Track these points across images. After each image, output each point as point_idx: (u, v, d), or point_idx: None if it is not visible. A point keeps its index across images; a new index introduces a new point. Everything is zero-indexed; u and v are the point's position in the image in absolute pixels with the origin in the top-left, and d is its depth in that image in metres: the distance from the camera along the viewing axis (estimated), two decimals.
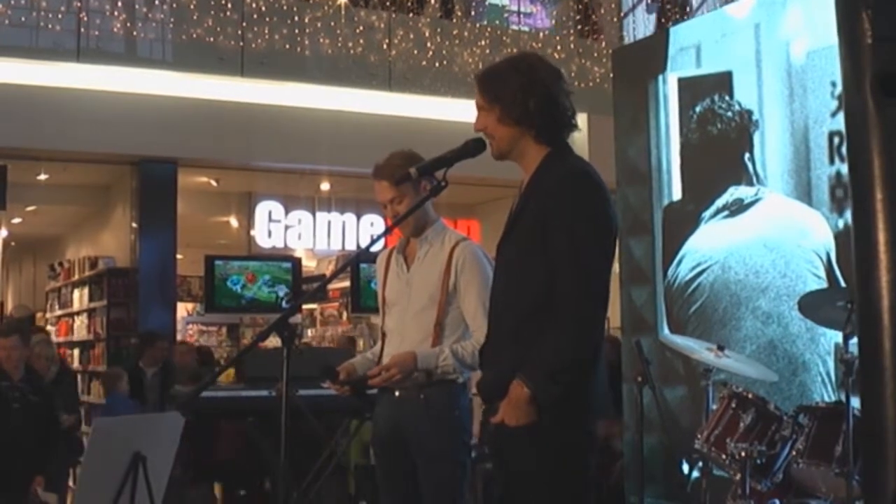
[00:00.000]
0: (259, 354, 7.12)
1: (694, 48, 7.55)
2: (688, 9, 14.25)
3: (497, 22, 14.39)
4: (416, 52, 12.70)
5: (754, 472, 5.32)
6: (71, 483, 8.22)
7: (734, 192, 7.09)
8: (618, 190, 7.93)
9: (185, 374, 9.84)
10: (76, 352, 13.76)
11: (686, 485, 6.70)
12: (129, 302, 12.10)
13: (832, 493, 5.22)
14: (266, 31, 11.78)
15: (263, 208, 13.88)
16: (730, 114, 7.18)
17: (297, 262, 8.36)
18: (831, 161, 6.45)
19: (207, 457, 8.31)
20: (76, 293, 13.95)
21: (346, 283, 10.70)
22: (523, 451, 3.41)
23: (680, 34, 7.78)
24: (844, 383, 4.98)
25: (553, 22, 14.67)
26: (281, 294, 7.79)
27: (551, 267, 3.38)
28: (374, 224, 14.01)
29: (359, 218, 14.15)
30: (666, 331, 7.54)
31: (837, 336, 5.64)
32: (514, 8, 14.74)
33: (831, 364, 6.34)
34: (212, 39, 11.50)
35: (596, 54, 13.57)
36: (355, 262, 7.68)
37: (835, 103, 6.42)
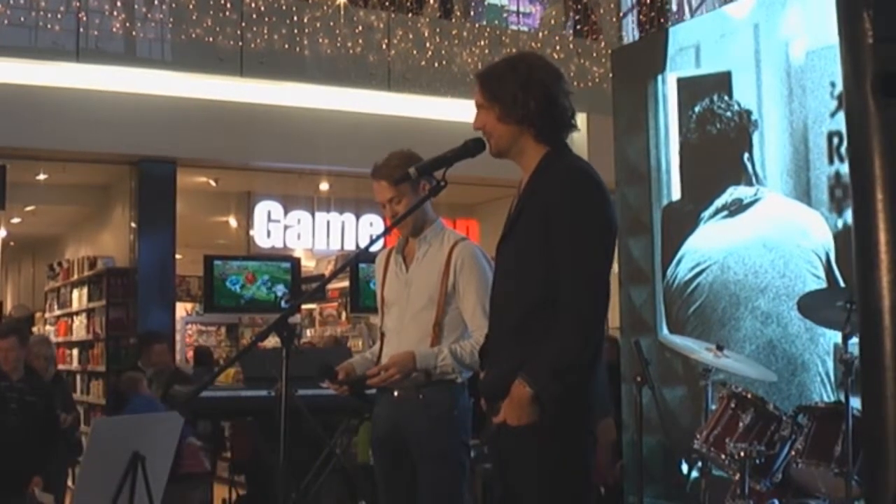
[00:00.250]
0: (258, 354, 7.11)
1: (693, 48, 7.55)
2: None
3: (496, 22, 14.38)
4: (415, 52, 12.69)
5: (753, 472, 5.31)
6: (70, 483, 8.22)
7: (733, 192, 7.09)
8: (617, 190, 7.93)
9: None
10: (75, 352, 13.75)
11: (685, 485, 6.70)
12: (129, 302, 12.09)
13: (831, 494, 5.23)
14: (265, 31, 11.77)
15: (262, 208, 13.87)
16: (729, 114, 7.18)
17: (296, 262, 8.36)
18: (830, 161, 6.45)
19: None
20: (75, 293, 13.94)
21: (346, 283, 10.69)
22: (524, 451, 3.41)
23: (679, 34, 7.78)
24: (844, 383, 4.98)
25: (541, 22, 14.65)
26: (280, 294, 7.79)
27: (552, 266, 3.38)
28: (373, 224, 14.00)
29: (358, 218, 14.14)
30: (665, 331, 7.54)
31: (836, 336, 5.64)
32: (514, 8, 14.72)
33: (830, 364, 6.34)
34: (211, 39, 11.49)
35: (595, 54, 13.56)
36: (354, 262, 7.68)
37: (834, 103, 6.42)
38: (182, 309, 15.02)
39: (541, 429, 3.35)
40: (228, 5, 11.55)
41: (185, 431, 8.33)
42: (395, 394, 4.49)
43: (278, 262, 8.55)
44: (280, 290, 7.81)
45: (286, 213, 13.92)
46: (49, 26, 10.88)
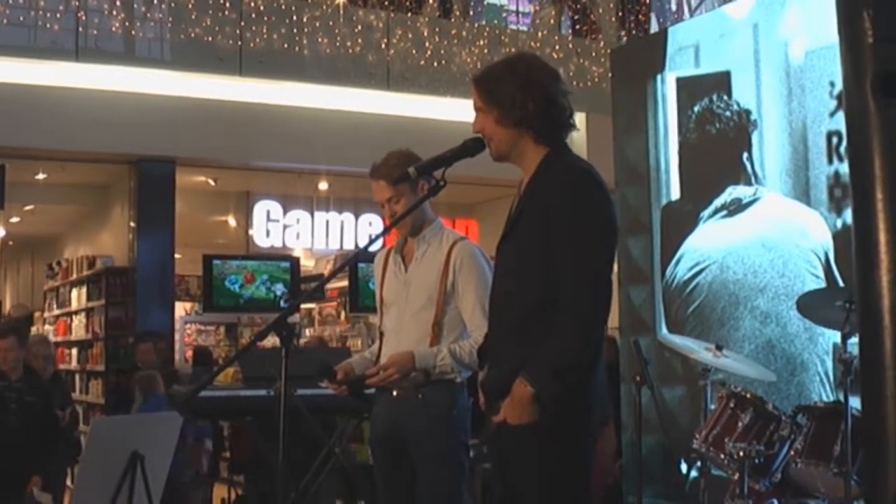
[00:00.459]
0: (257, 354, 7.11)
1: (692, 48, 7.55)
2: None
3: (495, 21, 14.38)
4: (414, 51, 12.69)
5: (753, 471, 5.32)
6: (69, 482, 8.22)
7: (732, 192, 7.08)
8: (616, 189, 7.93)
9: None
10: (74, 351, 13.75)
11: (684, 484, 6.70)
12: (128, 301, 12.09)
13: (830, 493, 5.23)
14: (264, 31, 11.77)
15: (262, 208, 13.88)
16: (728, 113, 7.18)
17: (295, 262, 8.34)
18: (830, 161, 6.45)
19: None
20: (74, 292, 13.94)
21: (345, 283, 10.68)
22: (524, 451, 3.41)
23: (678, 34, 7.77)
24: (843, 383, 4.98)
25: (538, 22, 14.65)
26: (279, 293, 7.78)
27: (553, 267, 3.37)
28: (372, 224, 14.01)
29: (357, 217, 14.15)
30: (664, 330, 7.54)
31: (836, 336, 5.65)
32: (513, 7, 14.72)
33: (829, 364, 6.34)
34: (210, 39, 11.49)
35: (594, 54, 13.56)
36: (353, 262, 7.67)
37: (833, 103, 6.42)
38: (181, 308, 15.02)
39: (541, 428, 3.35)
40: (227, 5, 11.55)
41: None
42: (394, 393, 4.49)
43: (277, 261, 8.53)
44: (279, 289, 7.80)
45: (285, 212, 13.93)
46: (48, 26, 10.88)
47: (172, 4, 11.53)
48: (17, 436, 6.77)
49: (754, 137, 6.98)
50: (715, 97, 7.26)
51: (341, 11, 12.28)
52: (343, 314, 14.31)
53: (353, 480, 7.53)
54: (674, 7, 14.37)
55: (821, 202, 6.48)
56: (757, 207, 6.95)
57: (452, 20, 13.38)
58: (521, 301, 3.47)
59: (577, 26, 14.26)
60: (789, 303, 6.42)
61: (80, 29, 11.08)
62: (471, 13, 14.00)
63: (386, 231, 4.30)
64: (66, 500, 7.82)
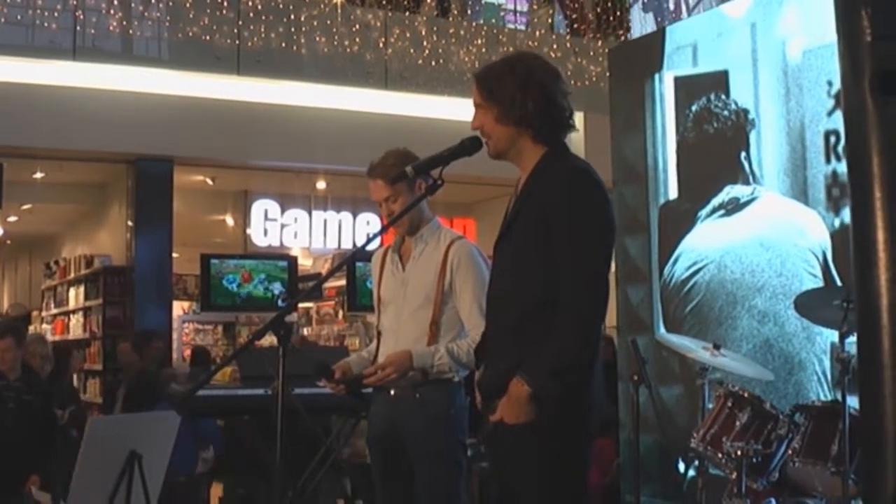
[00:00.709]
0: (255, 353, 7.10)
1: (690, 47, 7.55)
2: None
3: (493, 20, 14.37)
4: (412, 50, 12.69)
5: (750, 470, 5.32)
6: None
7: (730, 191, 7.09)
8: (614, 189, 7.93)
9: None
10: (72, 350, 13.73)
11: (682, 484, 6.70)
12: (125, 300, 12.09)
13: (828, 492, 5.23)
14: (262, 30, 11.77)
15: (259, 207, 13.89)
16: (726, 113, 7.18)
17: (293, 261, 8.33)
18: (827, 160, 6.45)
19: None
20: (72, 291, 13.94)
21: (342, 282, 10.69)
22: (522, 450, 3.41)
23: (676, 33, 7.78)
24: (840, 382, 4.97)
25: (535, 22, 14.65)
26: (277, 293, 7.77)
27: (551, 266, 3.37)
28: (370, 223, 14.02)
29: (355, 216, 14.16)
30: (662, 330, 7.54)
31: (833, 335, 5.65)
32: (511, 7, 14.72)
33: (827, 363, 6.34)
34: (208, 38, 11.48)
35: (592, 53, 13.56)
36: (351, 261, 7.66)
37: (831, 102, 6.42)
38: (179, 307, 15.01)
39: (538, 428, 3.34)
40: (225, 4, 11.55)
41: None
42: (392, 393, 4.48)
43: (275, 260, 8.53)
44: (277, 288, 7.79)
45: (283, 211, 13.94)
46: (46, 24, 10.88)
47: (170, 3, 11.53)
48: (16, 435, 6.77)
49: (752, 137, 6.98)
50: (713, 96, 7.26)
51: (339, 10, 12.28)
52: (341, 313, 14.32)
53: (350, 479, 7.53)
54: (672, 6, 14.36)
55: (819, 201, 6.48)
56: (755, 207, 6.96)
57: (450, 19, 13.38)
58: (519, 300, 3.47)
59: (576, 25, 14.25)
60: (787, 302, 6.42)
61: (78, 28, 11.08)
62: (469, 12, 14.00)
63: (383, 230, 4.30)
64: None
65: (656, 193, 7.69)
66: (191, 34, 11.43)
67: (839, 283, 6.23)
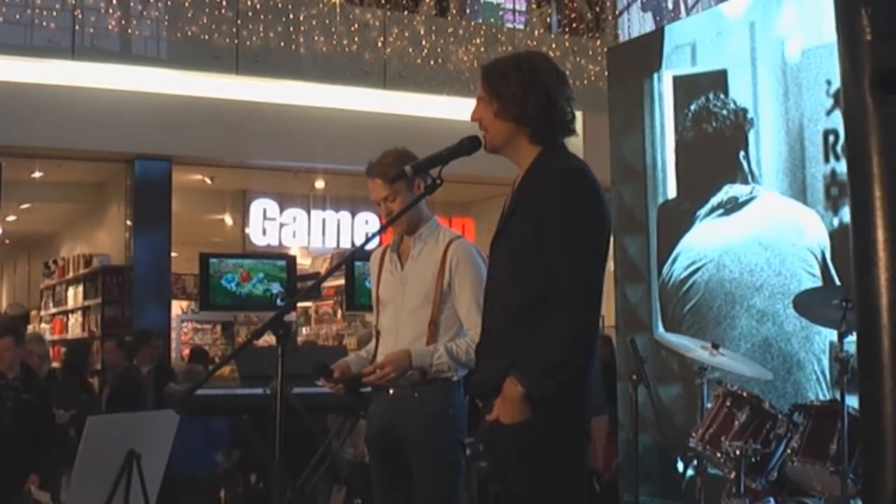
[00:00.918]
0: (253, 352, 7.10)
1: (689, 46, 7.55)
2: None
3: (492, 20, 14.37)
4: (410, 49, 12.69)
5: (749, 470, 5.32)
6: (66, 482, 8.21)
7: (729, 191, 7.09)
8: (613, 188, 7.93)
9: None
10: None
11: (681, 483, 6.71)
12: (124, 300, 12.10)
13: (827, 492, 5.23)
14: (261, 29, 11.77)
15: (258, 206, 13.89)
16: (725, 112, 7.18)
17: (291, 260, 8.34)
18: (826, 159, 6.45)
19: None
20: (71, 291, 13.95)
21: (341, 282, 10.69)
22: (518, 449, 3.41)
23: (675, 32, 7.78)
24: (839, 381, 4.97)
25: (533, 21, 14.65)
26: (275, 292, 7.77)
27: (544, 265, 3.37)
28: (368, 222, 14.02)
29: (353, 216, 14.16)
30: (661, 329, 7.54)
31: (832, 334, 5.65)
32: (509, 6, 14.71)
33: (826, 362, 6.35)
34: (207, 37, 11.48)
35: (591, 52, 13.56)
36: (350, 260, 7.66)
37: (830, 101, 6.42)
38: (177, 307, 15.01)
39: (534, 426, 3.34)
40: (224, 3, 11.55)
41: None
42: (391, 392, 4.48)
43: (274, 259, 8.54)
44: (275, 287, 7.79)
45: (282, 210, 13.94)
46: (44, 24, 10.88)
47: (169, 3, 11.53)
48: (15, 434, 6.77)
49: (751, 136, 6.98)
50: (711, 96, 7.26)
51: (338, 10, 12.27)
52: (339, 312, 14.32)
53: (348, 478, 7.53)
54: (670, 5, 14.36)
55: (817, 201, 6.48)
56: (753, 206, 6.95)
57: (449, 19, 13.38)
58: (514, 300, 3.47)
59: (574, 24, 14.24)
60: (786, 301, 6.42)
61: (77, 27, 11.08)
62: (467, 11, 14.00)
63: (382, 229, 4.29)
64: (64, 498, 7.81)
65: (655, 193, 7.69)
66: (189, 33, 11.43)
67: (838, 282, 6.23)
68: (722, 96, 7.19)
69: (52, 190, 13.48)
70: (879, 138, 2.22)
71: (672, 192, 7.58)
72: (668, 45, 7.67)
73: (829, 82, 6.40)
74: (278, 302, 7.61)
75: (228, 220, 14.56)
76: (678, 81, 7.57)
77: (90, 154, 11.76)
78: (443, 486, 4.44)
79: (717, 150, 7.24)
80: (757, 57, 7.01)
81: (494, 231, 3.63)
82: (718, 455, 5.44)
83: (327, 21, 12.21)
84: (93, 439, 4.43)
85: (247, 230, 13.91)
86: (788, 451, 5.30)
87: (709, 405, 5.81)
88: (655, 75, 7.72)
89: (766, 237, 6.85)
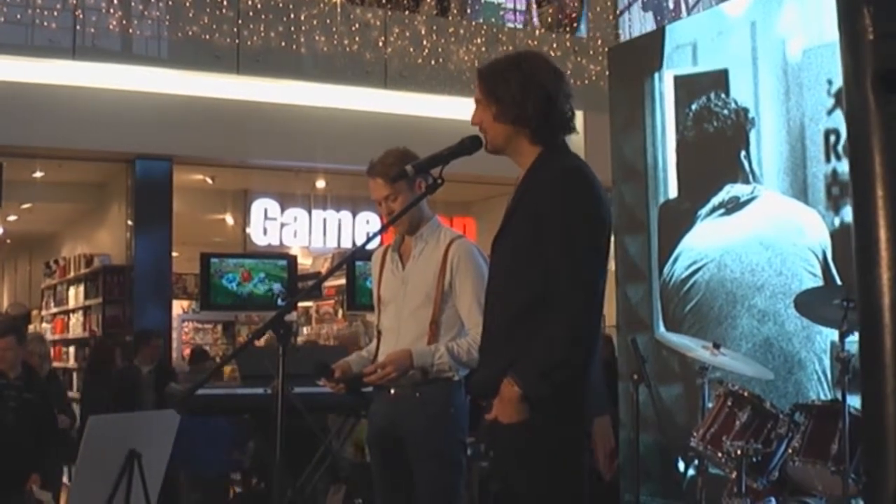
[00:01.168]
0: (254, 352, 7.11)
1: (690, 46, 7.55)
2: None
3: (493, 19, 14.36)
4: (411, 49, 12.68)
5: (750, 470, 5.31)
6: (66, 480, 8.21)
7: (730, 190, 7.08)
8: (614, 187, 7.93)
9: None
10: (72, 349, 13.75)
11: (682, 483, 6.71)
12: (125, 299, 12.10)
13: (828, 491, 5.22)
14: (262, 29, 11.76)
15: (259, 206, 13.89)
16: (726, 111, 7.18)
17: (292, 260, 8.34)
18: (827, 159, 6.45)
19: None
20: (71, 291, 13.95)
21: (342, 281, 10.69)
22: (517, 449, 3.41)
23: (676, 32, 7.77)
24: (840, 381, 4.97)
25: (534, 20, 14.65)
26: (276, 291, 7.78)
27: (544, 265, 3.37)
28: (369, 222, 14.02)
29: (354, 216, 14.16)
30: (662, 329, 7.54)
31: (833, 334, 5.65)
32: (510, 6, 14.70)
33: (827, 362, 6.34)
34: (207, 37, 11.48)
35: (592, 52, 13.56)
36: (350, 260, 7.67)
37: (831, 101, 6.42)
38: (178, 307, 15.02)
39: (532, 426, 3.34)
40: (225, 3, 11.55)
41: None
42: (392, 392, 4.48)
43: (275, 259, 8.54)
44: (276, 287, 7.80)
45: (283, 210, 13.94)
46: (45, 24, 10.87)
47: (170, 2, 11.52)
48: (17, 434, 6.77)
49: (752, 136, 6.98)
50: (712, 95, 7.26)
51: (339, 10, 12.27)
52: (340, 312, 14.32)
53: (350, 478, 7.53)
54: (671, 5, 14.36)
55: (819, 200, 6.48)
56: (755, 206, 6.95)
57: (450, 18, 13.37)
58: (514, 299, 3.47)
59: (568, 23, 14.24)
60: (787, 301, 6.42)
61: (78, 27, 11.07)
62: (468, 11, 13.98)
63: (383, 229, 4.30)
64: (64, 498, 7.82)
65: (656, 192, 7.69)
66: (190, 33, 11.42)
67: (839, 282, 6.22)
68: (723, 96, 7.19)
69: (53, 190, 13.48)
70: (881, 138, 2.22)
71: (673, 192, 7.58)
72: (669, 45, 7.66)
73: (830, 82, 6.39)
74: (279, 302, 7.61)
75: (229, 219, 14.56)
76: (679, 81, 7.57)
77: (91, 154, 11.76)
78: (444, 485, 4.45)
79: (718, 149, 7.24)
80: (758, 56, 7.01)
81: (497, 230, 3.64)
82: (719, 455, 5.44)
83: (328, 21, 12.20)
84: (94, 439, 4.43)
85: (248, 230, 13.90)
86: (790, 450, 5.30)
87: (710, 405, 5.81)
88: (656, 75, 7.72)
89: (767, 237, 6.85)
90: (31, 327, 14.38)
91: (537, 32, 13.98)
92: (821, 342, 6.38)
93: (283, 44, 11.87)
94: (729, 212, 7.09)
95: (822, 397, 6.05)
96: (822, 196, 6.46)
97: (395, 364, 4.38)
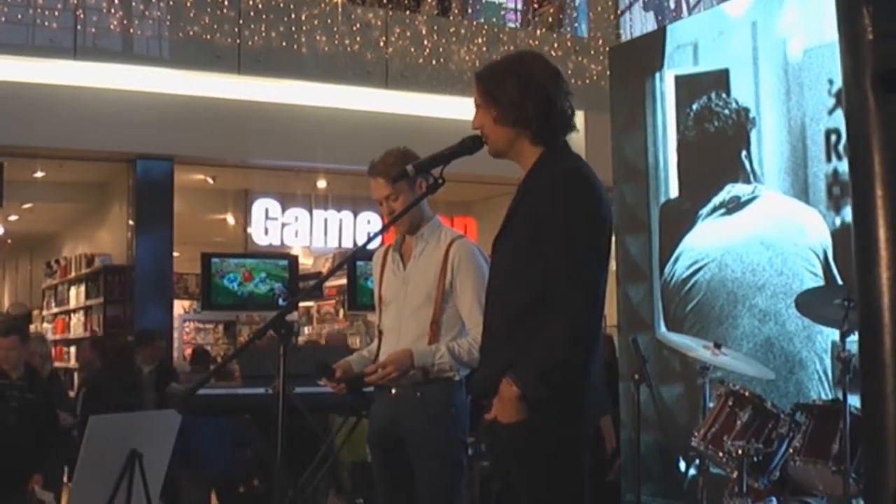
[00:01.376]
0: (255, 352, 7.11)
1: (691, 46, 7.55)
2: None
3: (494, 19, 14.36)
4: (412, 49, 12.69)
5: (751, 469, 5.32)
6: (67, 480, 8.21)
7: (731, 190, 7.08)
8: (615, 187, 7.93)
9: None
10: (73, 349, 13.75)
11: (683, 483, 6.71)
12: (126, 299, 12.10)
13: (829, 491, 5.23)
14: (263, 29, 11.77)
15: (260, 206, 13.89)
16: (727, 111, 7.17)
17: (293, 260, 8.35)
18: (828, 159, 6.44)
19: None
20: (73, 291, 13.96)
21: (343, 281, 10.69)
22: (516, 449, 3.41)
23: (677, 32, 7.77)
24: (841, 381, 4.97)
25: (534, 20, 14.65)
26: (277, 291, 7.78)
27: (544, 265, 3.37)
28: (370, 222, 14.02)
29: (355, 215, 14.16)
30: (663, 328, 7.54)
31: (834, 334, 5.64)
32: (511, 5, 14.71)
33: (828, 362, 6.34)
34: (209, 37, 11.49)
35: (593, 52, 13.56)
36: (351, 260, 7.67)
37: (832, 101, 6.42)
38: (180, 307, 15.03)
39: (531, 427, 3.34)
40: (226, 3, 11.55)
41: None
42: (393, 391, 4.48)
43: (276, 259, 8.54)
44: (277, 287, 7.80)
45: (284, 210, 13.94)
46: (46, 23, 10.88)
47: (171, 2, 11.53)
48: (19, 434, 6.77)
49: (753, 135, 6.98)
50: (713, 95, 7.26)
51: (340, 10, 12.28)
52: (341, 312, 14.33)
53: (348, 477, 7.53)
54: (672, 5, 14.36)
55: (819, 200, 6.48)
56: (755, 205, 6.95)
57: (451, 18, 13.37)
58: (514, 299, 3.47)
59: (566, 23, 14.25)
60: (788, 301, 6.42)
61: (79, 27, 11.08)
62: (469, 11, 13.99)
63: (384, 229, 4.30)
64: (65, 498, 7.82)
65: (657, 192, 7.69)
66: (191, 33, 11.43)
67: (840, 281, 6.22)
68: (724, 96, 7.19)
69: (53, 190, 13.49)
70: (881, 137, 2.22)
71: (674, 192, 7.58)
72: (670, 45, 7.66)
73: (830, 81, 6.39)
74: (280, 302, 7.62)
75: (230, 219, 14.57)
76: (680, 81, 7.57)
77: (92, 154, 11.77)
78: (445, 485, 4.45)
79: (718, 149, 7.24)
80: (759, 56, 7.01)
81: (498, 230, 3.64)
82: (720, 454, 5.44)
83: (329, 21, 12.21)
84: (95, 439, 4.43)
85: (249, 230, 13.91)
86: (790, 450, 5.30)
87: (711, 405, 5.81)
88: (657, 75, 7.72)
89: (768, 237, 6.84)
90: (32, 327, 14.37)
91: (538, 32, 13.98)
92: (822, 342, 6.38)
93: (284, 44, 11.87)
94: (730, 211, 7.09)
95: (823, 397, 6.05)
96: (822, 196, 6.46)
97: (396, 364, 4.38)
